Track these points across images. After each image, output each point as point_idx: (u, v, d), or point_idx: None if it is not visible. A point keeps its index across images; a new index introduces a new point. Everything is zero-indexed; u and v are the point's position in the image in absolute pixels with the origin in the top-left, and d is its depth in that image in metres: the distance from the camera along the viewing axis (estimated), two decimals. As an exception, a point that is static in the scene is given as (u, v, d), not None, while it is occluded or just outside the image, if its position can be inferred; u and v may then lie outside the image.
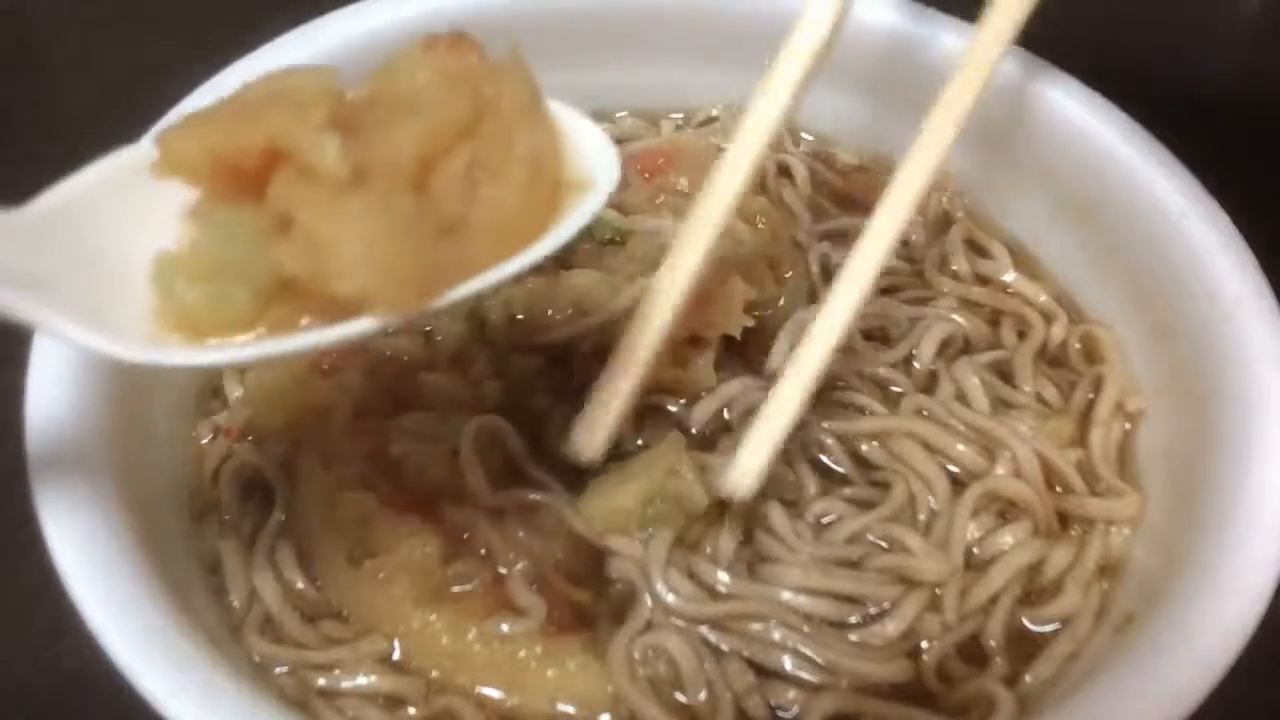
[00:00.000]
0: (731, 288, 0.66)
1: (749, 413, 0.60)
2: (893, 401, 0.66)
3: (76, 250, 0.45)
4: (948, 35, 0.73)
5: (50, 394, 0.54)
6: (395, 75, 0.48)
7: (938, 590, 0.58)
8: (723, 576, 0.58)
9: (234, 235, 0.43)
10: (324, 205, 0.42)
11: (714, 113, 0.81)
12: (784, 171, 0.78)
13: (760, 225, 0.73)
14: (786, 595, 0.57)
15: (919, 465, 0.62)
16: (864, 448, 0.63)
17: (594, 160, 0.51)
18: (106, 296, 0.44)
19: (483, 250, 0.45)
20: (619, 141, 0.78)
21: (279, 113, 0.44)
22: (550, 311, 0.67)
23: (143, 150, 0.47)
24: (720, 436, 0.63)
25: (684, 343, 0.64)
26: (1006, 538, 0.60)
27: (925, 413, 0.64)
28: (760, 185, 0.77)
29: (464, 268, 0.45)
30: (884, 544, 0.60)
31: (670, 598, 0.57)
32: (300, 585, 0.58)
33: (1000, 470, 0.62)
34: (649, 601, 0.57)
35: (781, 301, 0.70)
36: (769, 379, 0.63)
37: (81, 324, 0.43)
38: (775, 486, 0.61)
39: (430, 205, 0.44)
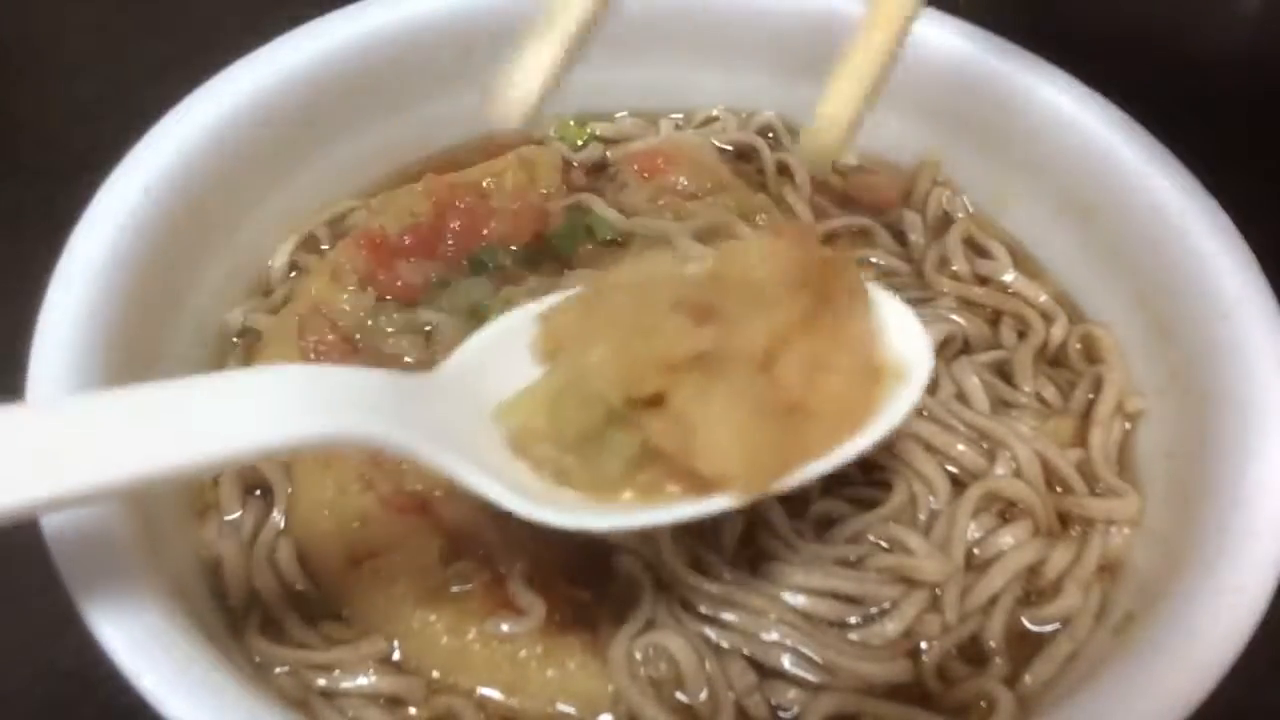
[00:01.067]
0: None
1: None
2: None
3: (473, 404, 0.50)
4: (948, 36, 0.73)
5: (50, 394, 0.54)
6: (738, 260, 0.51)
7: (938, 590, 0.58)
8: (724, 574, 0.58)
9: (616, 421, 0.47)
10: (693, 389, 0.45)
11: (714, 113, 0.81)
12: (784, 171, 0.78)
13: (761, 223, 0.73)
14: (787, 594, 0.57)
15: (920, 465, 0.62)
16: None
17: (907, 344, 0.53)
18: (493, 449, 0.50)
19: (820, 436, 0.48)
20: (618, 141, 0.79)
21: (644, 312, 0.48)
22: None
23: (521, 324, 0.53)
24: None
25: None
26: (1007, 538, 0.60)
27: (926, 413, 0.64)
28: (760, 184, 0.77)
29: (804, 452, 0.48)
30: (884, 544, 0.60)
31: (679, 570, 0.57)
32: (300, 585, 0.58)
33: (1000, 470, 0.62)
34: (651, 589, 0.57)
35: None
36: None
37: (488, 476, 0.47)
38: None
39: (777, 392, 0.47)
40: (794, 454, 0.47)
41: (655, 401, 0.46)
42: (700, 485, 0.47)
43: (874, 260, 0.73)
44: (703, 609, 0.57)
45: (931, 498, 0.62)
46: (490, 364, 0.52)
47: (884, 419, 0.50)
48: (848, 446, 0.49)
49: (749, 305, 0.48)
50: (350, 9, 0.72)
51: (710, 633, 0.57)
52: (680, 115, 0.81)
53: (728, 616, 0.57)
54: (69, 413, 0.45)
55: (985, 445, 0.63)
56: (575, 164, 0.77)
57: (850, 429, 0.49)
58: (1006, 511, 0.62)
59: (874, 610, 0.58)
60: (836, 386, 0.48)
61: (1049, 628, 0.59)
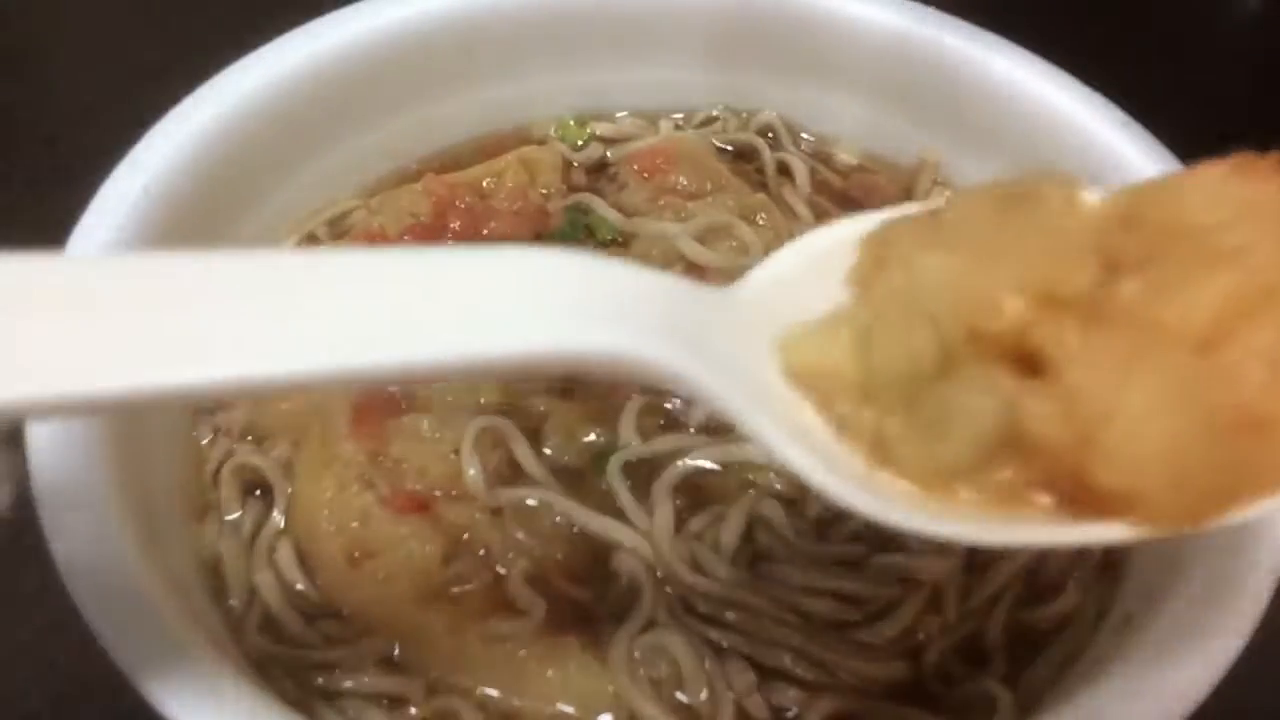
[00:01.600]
0: None
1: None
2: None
3: (761, 336, 0.38)
4: (948, 35, 0.73)
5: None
6: (1179, 198, 0.36)
7: (938, 591, 0.58)
8: (725, 574, 0.58)
9: (968, 383, 0.34)
10: (1107, 365, 0.32)
11: (714, 113, 0.81)
12: (784, 171, 0.78)
13: (761, 222, 0.73)
14: (787, 594, 0.57)
15: None
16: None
17: None
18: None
19: (1274, 463, 0.33)
20: (617, 141, 0.79)
21: (1033, 244, 0.34)
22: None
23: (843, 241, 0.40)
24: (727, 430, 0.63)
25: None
26: (1007, 537, 0.60)
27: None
28: (760, 183, 0.77)
29: (1251, 484, 0.33)
30: (885, 544, 0.60)
31: (679, 570, 0.57)
32: (300, 585, 0.58)
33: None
34: (651, 589, 0.57)
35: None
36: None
37: (796, 443, 0.35)
38: (777, 484, 0.61)
39: (1231, 385, 0.32)
40: (1235, 482, 0.33)
41: (1029, 367, 0.33)
42: (1090, 503, 0.33)
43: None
44: (702, 609, 0.57)
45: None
46: (791, 290, 0.39)
47: None
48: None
49: (1184, 261, 0.34)
50: (350, 9, 0.72)
51: (710, 633, 0.56)
52: (680, 115, 0.81)
53: (728, 616, 0.57)
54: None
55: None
56: (575, 164, 0.77)
57: None
58: (1006, 511, 0.62)
59: (874, 610, 0.58)
60: None
61: (1049, 628, 0.58)
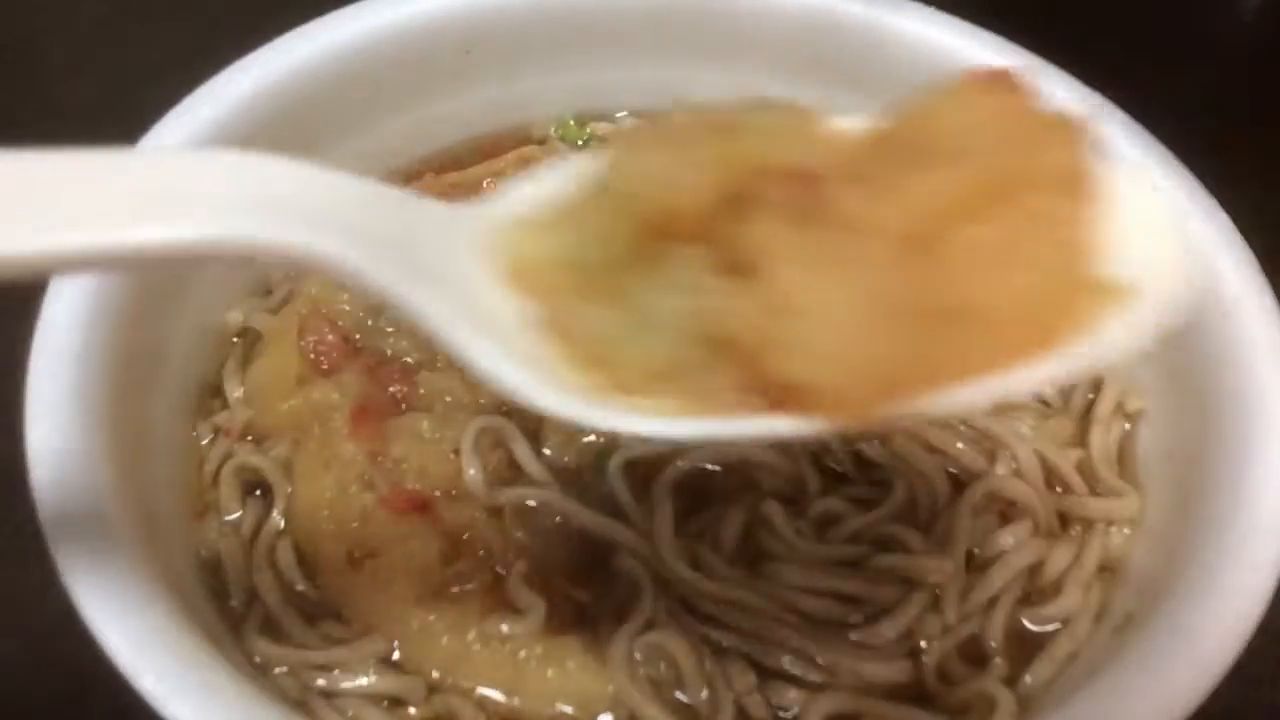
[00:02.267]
0: None
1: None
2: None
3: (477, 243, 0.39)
4: (948, 36, 0.73)
5: (50, 395, 0.54)
6: (934, 112, 0.38)
7: (938, 591, 0.58)
8: (724, 574, 0.58)
9: (673, 278, 0.35)
10: (808, 260, 0.33)
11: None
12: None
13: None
14: (787, 594, 0.57)
15: (920, 465, 0.62)
16: (865, 447, 0.63)
17: (1143, 251, 0.38)
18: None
19: (976, 353, 0.34)
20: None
21: (765, 138, 0.36)
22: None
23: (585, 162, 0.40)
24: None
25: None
26: (1007, 538, 0.60)
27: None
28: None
29: (943, 371, 0.34)
30: (885, 544, 0.60)
31: (679, 570, 0.57)
32: (300, 585, 0.58)
33: (1000, 470, 0.62)
34: (652, 589, 0.57)
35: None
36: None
37: (482, 336, 0.37)
38: (777, 484, 0.61)
39: (933, 279, 0.34)
40: (928, 370, 0.34)
41: (737, 270, 0.35)
42: (779, 397, 0.34)
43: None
44: (702, 609, 0.57)
45: (931, 498, 0.62)
46: (518, 204, 0.40)
47: (1094, 346, 0.36)
48: (1019, 375, 0.35)
49: (917, 164, 0.35)
50: (350, 9, 0.72)
51: (710, 633, 0.56)
52: (680, 115, 0.81)
53: (728, 616, 0.57)
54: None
55: (986, 445, 0.63)
56: (576, 164, 0.77)
57: (1026, 354, 0.35)
58: (1006, 511, 0.62)
59: (874, 610, 0.58)
60: (1026, 289, 0.34)
61: (1049, 628, 0.59)
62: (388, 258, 0.36)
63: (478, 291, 0.38)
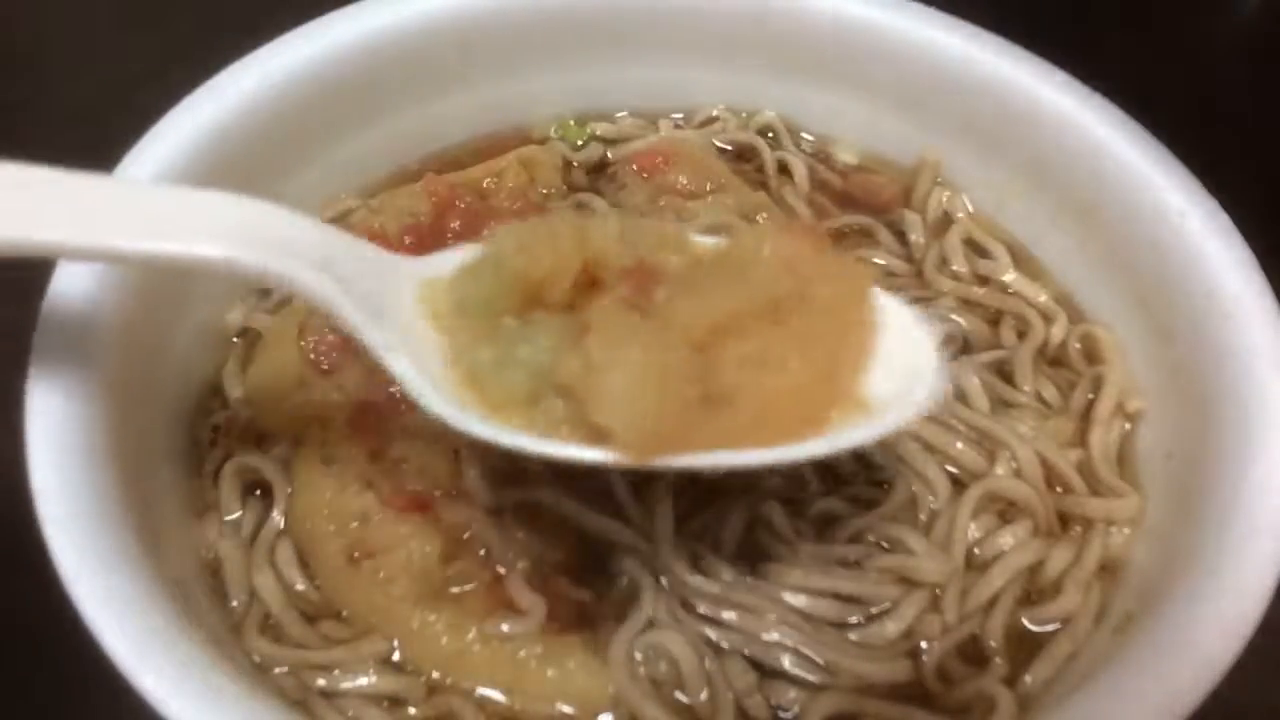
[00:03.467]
0: None
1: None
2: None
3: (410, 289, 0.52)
4: (948, 36, 0.73)
5: (51, 395, 0.54)
6: (750, 245, 0.50)
7: (938, 591, 0.58)
8: (725, 574, 0.58)
9: (536, 334, 0.48)
10: (614, 334, 0.45)
11: (714, 113, 0.81)
12: (783, 170, 0.78)
13: (762, 221, 0.73)
14: (787, 594, 0.57)
15: (920, 466, 0.62)
16: (865, 447, 0.63)
17: (898, 385, 0.50)
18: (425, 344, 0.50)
19: (738, 431, 0.46)
20: (617, 141, 0.79)
21: (633, 241, 0.49)
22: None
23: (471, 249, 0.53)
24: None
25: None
26: (1007, 538, 0.60)
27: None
28: (760, 183, 0.78)
29: (714, 439, 0.45)
30: (885, 544, 0.60)
31: (679, 570, 0.57)
32: (300, 585, 0.58)
33: (1000, 471, 0.62)
34: (652, 589, 0.57)
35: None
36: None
37: (395, 351, 0.49)
38: (777, 485, 0.61)
39: (708, 369, 0.45)
40: (698, 435, 0.45)
41: (583, 334, 0.46)
42: (593, 432, 0.46)
43: (877, 260, 0.73)
44: (703, 609, 0.57)
45: (931, 498, 0.62)
46: (444, 264, 0.53)
47: (816, 444, 0.48)
48: (769, 452, 0.47)
49: (724, 282, 0.47)
50: (350, 9, 0.72)
51: (710, 633, 0.57)
52: (680, 115, 0.81)
53: (728, 616, 0.57)
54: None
55: (986, 445, 0.63)
56: (575, 164, 0.77)
57: (778, 436, 0.47)
58: (1006, 512, 0.62)
59: (874, 610, 0.58)
60: (775, 388, 0.46)
61: (1049, 627, 0.59)
62: (349, 291, 0.49)
63: (408, 321, 0.50)
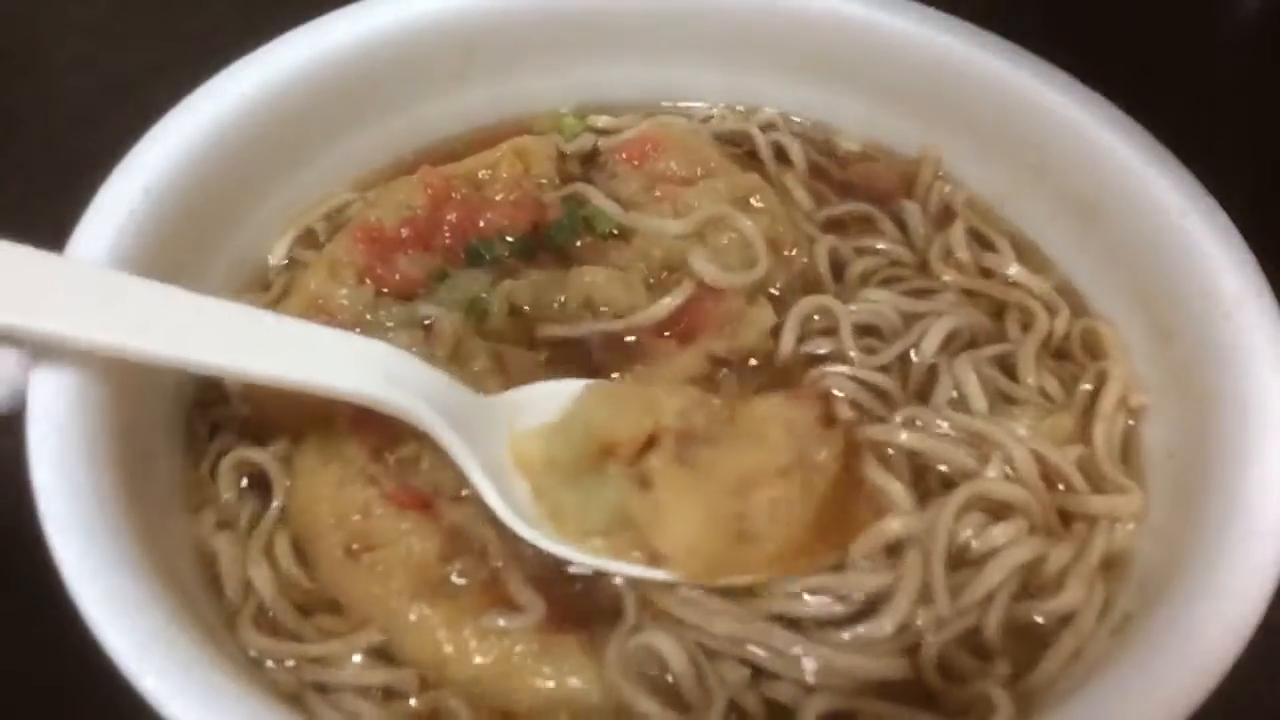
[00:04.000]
0: (756, 314, 0.67)
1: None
2: (889, 405, 0.65)
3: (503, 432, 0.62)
4: (949, 36, 0.73)
5: (51, 394, 0.54)
6: (755, 408, 0.62)
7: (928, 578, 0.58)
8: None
9: (610, 482, 0.59)
10: (678, 488, 0.57)
11: (714, 112, 0.81)
12: (780, 155, 0.78)
13: (756, 204, 0.72)
14: (777, 599, 0.57)
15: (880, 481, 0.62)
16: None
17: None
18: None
19: (762, 561, 0.57)
20: (606, 133, 0.78)
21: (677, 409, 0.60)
22: (557, 306, 0.67)
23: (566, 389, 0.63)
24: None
25: (710, 361, 0.66)
26: (999, 534, 0.60)
27: (918, 423, 0.64)
28: (753, 165, 0.77)
29: (744, 568, 0.57)
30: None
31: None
32: (296, 578, 0.58)
33: (992, 473, 0.62)
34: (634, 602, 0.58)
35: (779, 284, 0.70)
36: (778, 366, 0.66)
37: (490, 483, 0.59)
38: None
39: (740, 514, 0.57)
40: (733, 564, 0.57)
41: (645, 484, 0.58)
42: (655, 557, 0.57)
43: (880, 247, 0.73)
44: (690, 619, 0.57)
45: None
46: (529, 410, 0.62)
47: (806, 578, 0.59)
48: (773, 580, 0.58)
49: (751, 443, 0.60)
50: (350, 9, 0.73)
51: (701, 637, 0.56)
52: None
53: (715, 625, 0.57)
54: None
55: (983, 448, 0.63)
56: (568, 154, 0.77)
57: (785, 568, 0.58)
58: (999, 512, 0.61)
59: (863, 601, 0.58)
60: (786, 533, 0.57)
61: (1051, 625, 0.58)
62: (457, 426, 0.59)
63: (498, 458, 0.61)
